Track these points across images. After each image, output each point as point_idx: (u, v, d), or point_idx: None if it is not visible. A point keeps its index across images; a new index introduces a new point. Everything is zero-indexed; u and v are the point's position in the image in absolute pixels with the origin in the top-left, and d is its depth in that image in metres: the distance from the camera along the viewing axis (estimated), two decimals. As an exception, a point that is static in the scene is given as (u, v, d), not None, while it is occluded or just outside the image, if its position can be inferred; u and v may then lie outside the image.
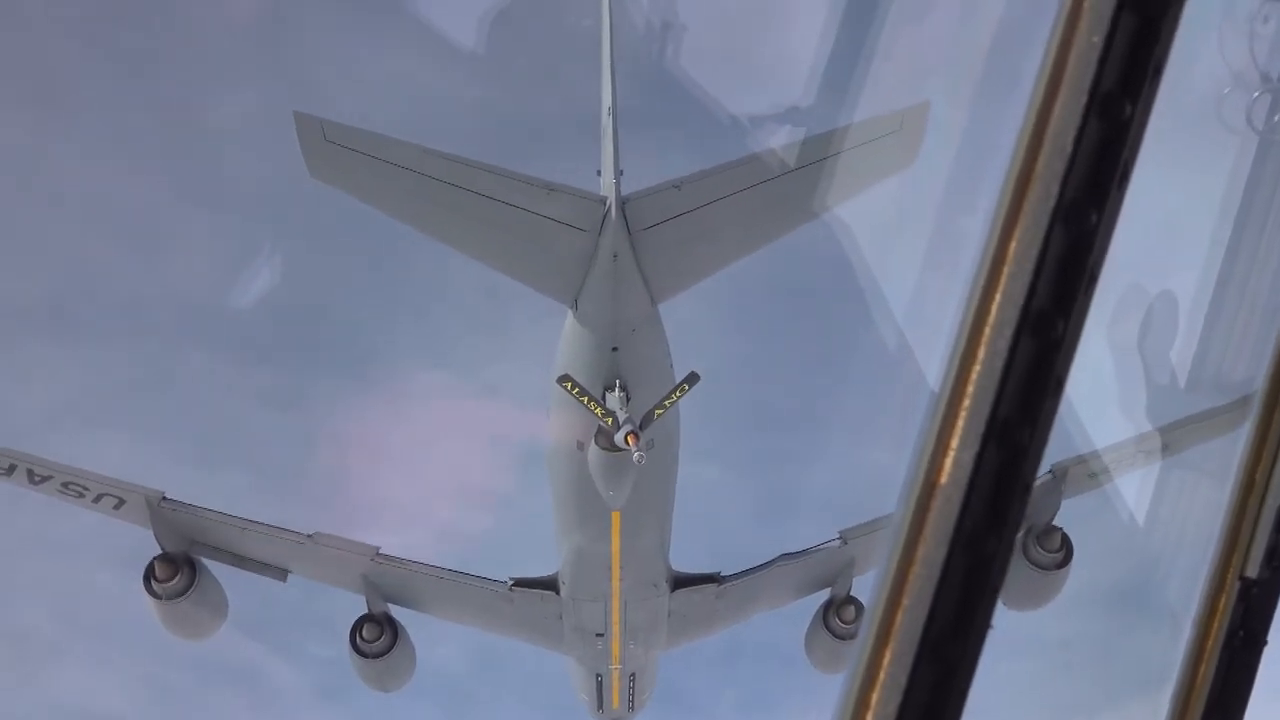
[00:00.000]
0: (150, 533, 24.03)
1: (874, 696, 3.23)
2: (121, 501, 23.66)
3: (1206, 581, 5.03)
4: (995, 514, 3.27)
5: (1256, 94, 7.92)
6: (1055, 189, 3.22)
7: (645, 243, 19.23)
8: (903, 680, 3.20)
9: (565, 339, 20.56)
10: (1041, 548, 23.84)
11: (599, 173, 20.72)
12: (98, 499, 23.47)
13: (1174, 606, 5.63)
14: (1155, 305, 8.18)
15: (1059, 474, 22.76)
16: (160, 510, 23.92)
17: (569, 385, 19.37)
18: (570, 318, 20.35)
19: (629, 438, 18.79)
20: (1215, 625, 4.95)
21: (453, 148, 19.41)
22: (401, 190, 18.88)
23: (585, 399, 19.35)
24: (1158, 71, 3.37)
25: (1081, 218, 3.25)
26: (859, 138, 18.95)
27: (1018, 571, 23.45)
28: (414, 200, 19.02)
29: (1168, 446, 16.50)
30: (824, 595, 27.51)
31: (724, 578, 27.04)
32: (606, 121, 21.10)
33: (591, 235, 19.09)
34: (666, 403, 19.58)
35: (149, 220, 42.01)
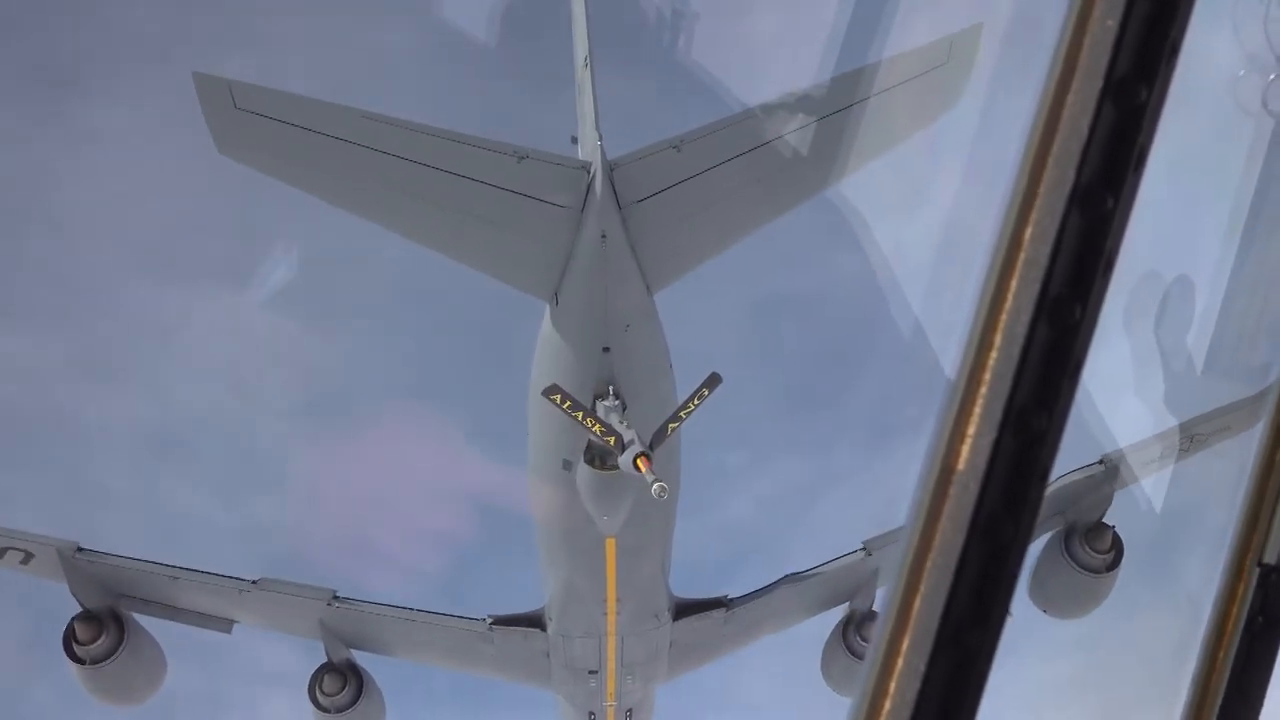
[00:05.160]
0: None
1: (892, 685, 3.24)
2: (29, 555, 20.76)
3: (1225, 567, 5.03)
4: (1013, 501, 3.26)
5: (1272, 76, 7.88)
6: (1071, 173, 3.21)
7: (639, 218, 15.80)
8: (921, 667, 3.20)
9: (544, 340, 17.25)
10: (1090, 548, 21.11)
11: (574, 139, 17.74)
12: (1, 554, 20.59)
13: (1193, 591, 5.62)
14: (1172, 290, 8.15)
15: (1110, 465, 19.61)
16: (75, 563, 20.92)
17: (557, 398, 16.05)
18: (549, 314, 17.05)
19: (639, 461, 15.48)
20: (1234, 611, 4.95)
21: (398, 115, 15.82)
22: (334, 167, 15.38)
23: (579, 415, 16.06)
24: (1173, 54, 3.35)
25: (1098, 202, 3.24)
26: (899, 74, 15.66)
27: (1060, 575, 21.37)
28: (350, 179, 15.51)
29: (1189, 432, 16.32)
30: (842, 611, 24.65)
31: (732, 601, 24.18)
32: (583, 75, 17.85)
33: (573, 212, 15.67)
34: (683, 414, 16.28)
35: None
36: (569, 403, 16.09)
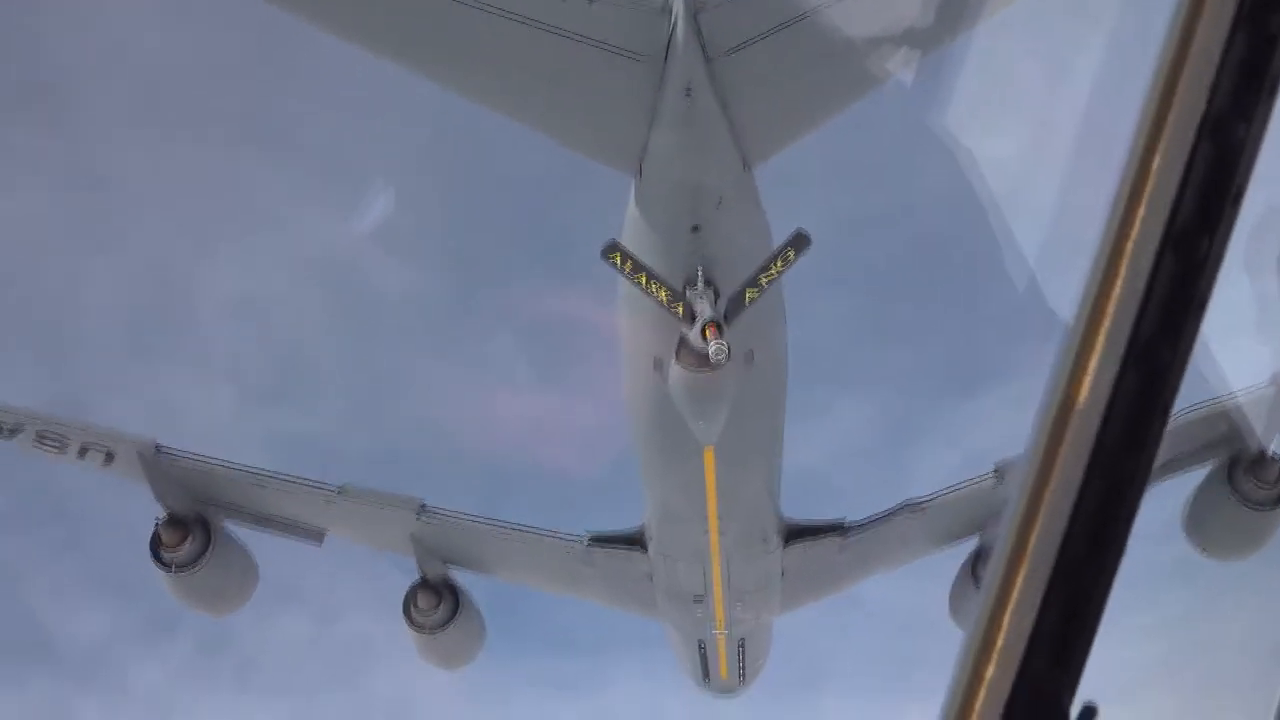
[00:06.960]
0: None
1: (1006, 618, 3.25)
2: (110, 455, 19.88)
3: None
4: (1134, 436, 3.23)
5: None
6: (1202, 101, 3.14)
7: (730, 71, 13.50)
8: (1036, 600, 3.20)
9: (630, 221, 15.30)
10: (1256, 479, 19.17)
11: None
12: (82, 452, 19.71)
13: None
14: None
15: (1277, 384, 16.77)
16: (156, 463, 20.07)
17: (617, 258, 14.30)
18: (634, 191, 15.03)
19: (706, 331, 13.87)
20: None
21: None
22: (380, 10, 13.46)
23: (641, 277, 14.18)
24: None
25: (1229, 130, 3.16)
26: None
27: (1222, 510, 19.59)
28: (396, 24, 13.43)
29: None
30: (972, 543, 22.57)
31: (849, 527, 22.19)
32: None
33: (653, 63, 13.41)
34: (764, 279, 14.22)
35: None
36: (629, 263, 14.35)
